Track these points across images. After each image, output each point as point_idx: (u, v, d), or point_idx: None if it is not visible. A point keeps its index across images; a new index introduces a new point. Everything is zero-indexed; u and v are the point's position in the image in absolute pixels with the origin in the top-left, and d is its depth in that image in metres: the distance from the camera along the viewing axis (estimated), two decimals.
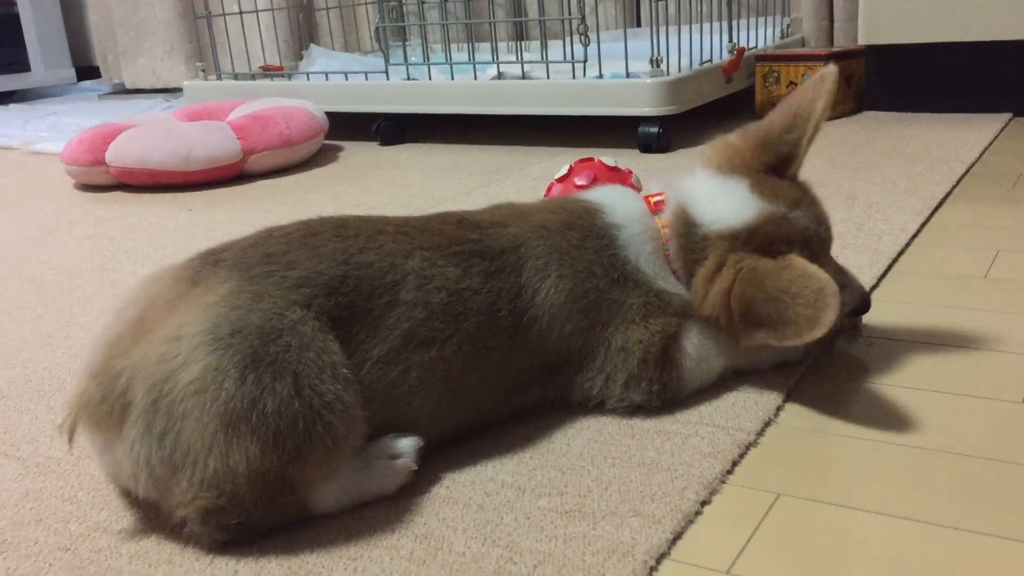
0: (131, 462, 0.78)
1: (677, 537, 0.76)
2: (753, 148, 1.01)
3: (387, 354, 0.85)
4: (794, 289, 0.86)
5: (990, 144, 2.05)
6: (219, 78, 2.97)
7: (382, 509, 0.83)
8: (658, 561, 0.74)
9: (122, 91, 4.50)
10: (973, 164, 1.89)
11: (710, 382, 1.00)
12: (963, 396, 0.96)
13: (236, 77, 2.95)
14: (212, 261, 0.86)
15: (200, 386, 0.75)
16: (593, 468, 0.87)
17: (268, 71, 3.01)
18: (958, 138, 2.10)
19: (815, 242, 0.97)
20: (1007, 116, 2.29)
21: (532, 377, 0.95)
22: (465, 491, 0.85)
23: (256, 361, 0.76)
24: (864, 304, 1.06)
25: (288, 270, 0.84)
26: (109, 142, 2.26)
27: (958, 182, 1.76)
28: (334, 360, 0.80)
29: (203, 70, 3.02)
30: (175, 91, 4.05)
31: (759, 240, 0.95)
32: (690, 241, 0.97)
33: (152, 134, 2.27)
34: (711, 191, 0.99)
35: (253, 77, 2.97)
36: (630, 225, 0.99)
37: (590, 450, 0.90)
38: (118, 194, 2.28)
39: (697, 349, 0.97)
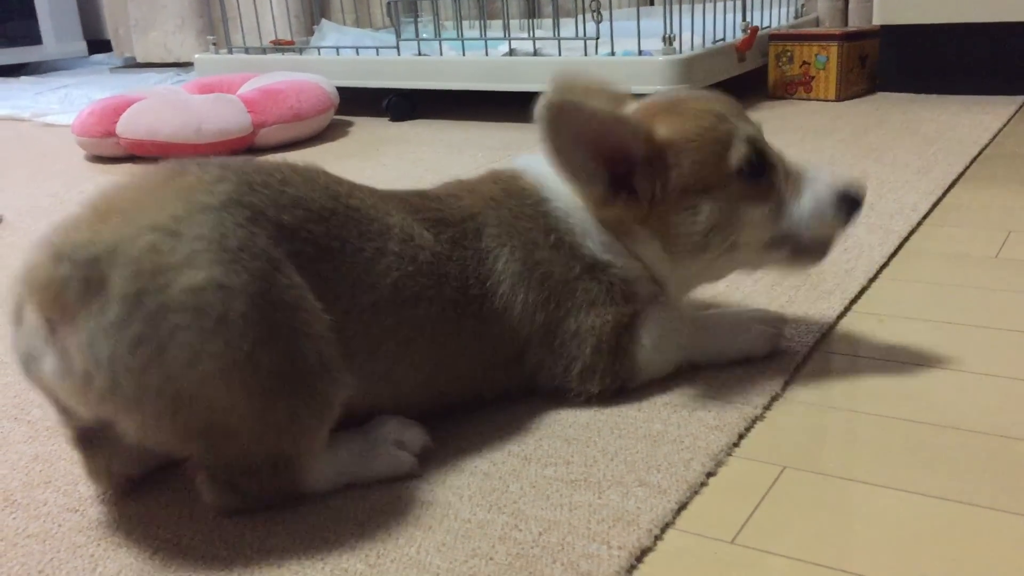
0: (85, 357, 0.68)
1: (682, 507, 0.77)
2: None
3: (376, 303, 0.82)
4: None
5: (1004, 126, 2.03)
6: (230, 52, 2.96)
7: None
8: (663, 530, 0.74)
9: (133, 65, 4.50)
10: (987, 145, 1.88)
11: (665, 373, 0.96)
12: (971, 374, 0.96)
13: (247, 51, 2.95)
14: (196, 162, 0.79)
15: (201, 301, 0.67)
16: (599, 439, 0.87)
17: (279, 46, 3.00)
18: (972, 119, 2.09)
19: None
20: (1021, 99, 2.27)
21: (502, 356, 0.92)
22: (472, 459, 0.85)
23: (266, 291, 0.70)
24: (847, 198, 0.93)
25: (284, 186, 0.80)
26: (120, 114, 2.27)
27: (971, 163, 1.75)
28: (318, 308, 0.76)
29: (214, 44, 3.01)
30: (186, 65, 4.04)
31: None
32: None
33: (163, 106, 2.27)
34: None
35: (264, 51, 2.96)
36: (561, 195, 0.94)
37: (597, 422, 0.90)
38: (128, 166, 2.28)
39: (654, 340, 0.94)
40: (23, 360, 0.74)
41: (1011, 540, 0.70)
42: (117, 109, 2.28)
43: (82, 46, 4.82)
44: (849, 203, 0.93)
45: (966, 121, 2.08)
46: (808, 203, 0.93)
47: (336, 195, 0.84)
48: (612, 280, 0.93)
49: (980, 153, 1.82)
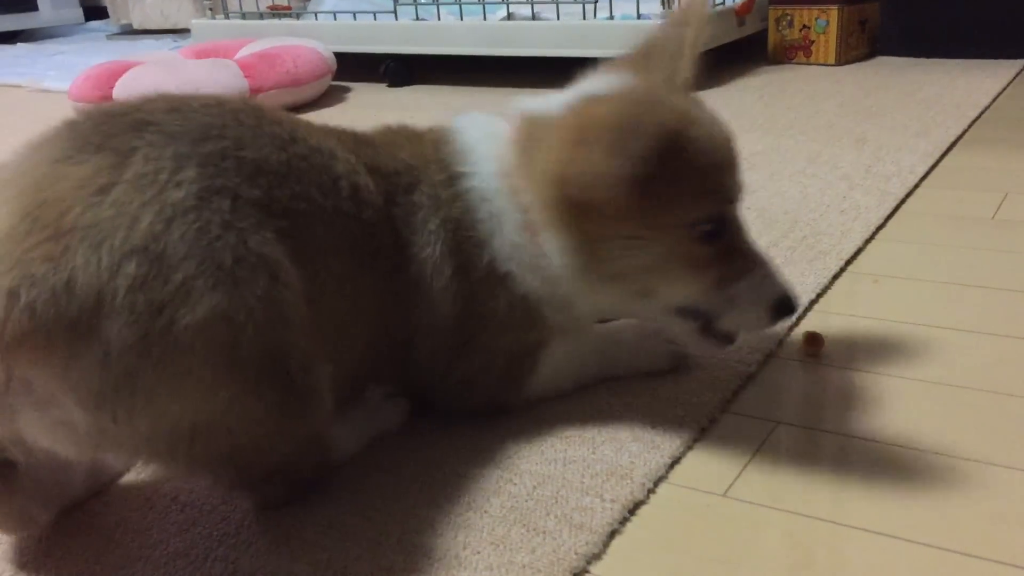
0: (89, 412, 0.62)
1: (675, 462, 0.77)
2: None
3: (343, 273, 0.75)
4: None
5: (1003, 89, 2.02)
6: (227, 17, 2.94)
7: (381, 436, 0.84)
8: (656, 484, 0.75)
9: (130, 31, 4.46)
10: (985, 109, 1.87)
11: (556, 396, 0.88)
12: (966, 332, 0.96)
13: (244, 16, 2.93)
14: (132, 125, 0.67)
15: (208, 338, 0.62)
16: (595, 397, 0.88)
17: (276, 11, 2.98)
18: (971, 83, 2.08)
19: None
20: (1021, 63, 2.26)
21: (399, 335, 0.82)
22: (467, 418, 0.86)
23: (272, 312, 0.65)
24: (785, 306, 0.81)
25: (240, 150, 0.70)
26: (117, 79, 2.26)
27: (969, 126, 1.75)
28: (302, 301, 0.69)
29: (211, 9, 2.99)
30: (183, 32, 4.02)
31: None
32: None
33: (160, 71, 2.26)
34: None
35: (261, 16, 2.94)
36: (484, 176, 0.82)
37: None
38: None
39: (552, 371, 0.86)
40: None
41: (1004, 494, 0.71)
42: (114, 74, 2.27)
43: (78, 13, 4.78)
44: (780, 310, 0.81)
45: (965, 85, 2.07)
46: (743, 294, 0.80)
47: (282, 143, 0.73)
48: (513, 299, 0.82)
49: (979, 116, 1.82)
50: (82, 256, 0.60)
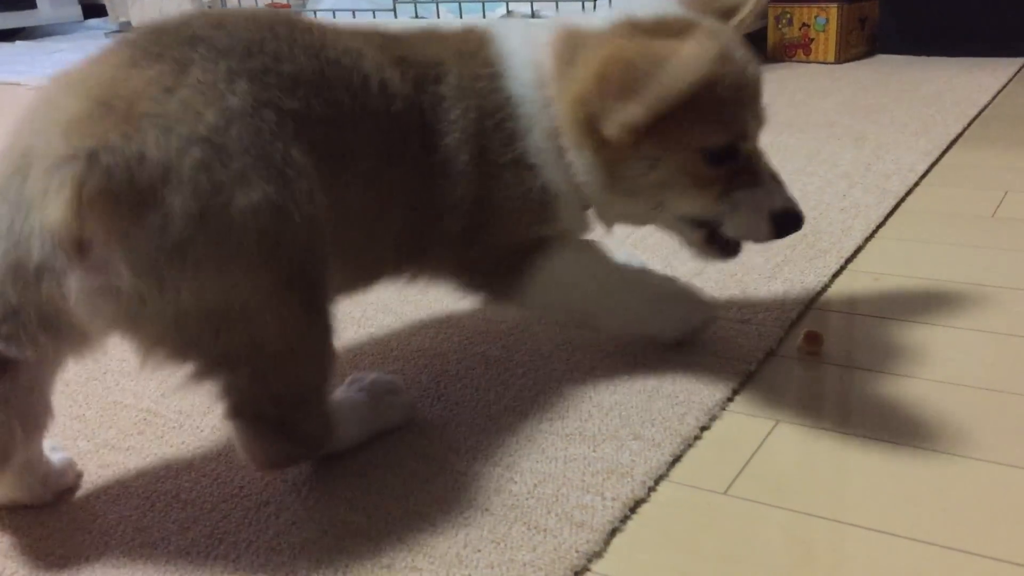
0: (140, 277, 0.64)
1: (676, 460, 0.77)
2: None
3: (372, 170, 0.79)
4: (669, 48, 0.77)
5: (1003, 87, 2.03)
6: None
7: None
8: (656, 482, 0.75)
9: (128, 30, 4.46)
10: (985, 107, 1.87)
11: (558, 317, 0.92)
12: (967, 330, 0.96)
13: None
14: (185, 40, 0.72)
15: (261, 221, 0.66)
16: (595, 394, 0.88)
17: (274, 7, 2.98)
18: (971, 81, 2.08)
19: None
20: (1020, 60, 2.26)
21: (427, 218, 0.85)
22: (467, 414, 0.86)
23: (310, 211, 0.69)
24: (788, 218, 0.87)
25: (279, 63, 0.74)
26: None
27: (969, 124, 1.75)
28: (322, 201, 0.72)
29: (210, 7, 2.98)
30: None
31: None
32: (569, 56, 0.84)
33: None
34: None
35: None
36: (522, 77, 0.86)
37: (592, 377, 0.91)
38: None
39: (555, 275, 0.89)
40: (34, 273, 0.65)
41: (1004, 491, 0.71)
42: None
43: (77, 11, 4.78)
44: (786, 222, 0.87)
45: (965, 83, 2.07)
46: (746, 201, 0.86)
47: (314, 51, 0.77)
48: (532, 188, 0.86)
49: (978, 114, 1.82)
50: (152, 137, 0.65)
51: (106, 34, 4.50)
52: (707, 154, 0.84)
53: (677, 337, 0.94)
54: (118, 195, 0.63)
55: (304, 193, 0.70)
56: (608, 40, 0.81)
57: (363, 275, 0.87)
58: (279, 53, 0.75)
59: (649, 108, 0.76)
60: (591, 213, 0.91)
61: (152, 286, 0.65)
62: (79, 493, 0.78)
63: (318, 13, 2.78)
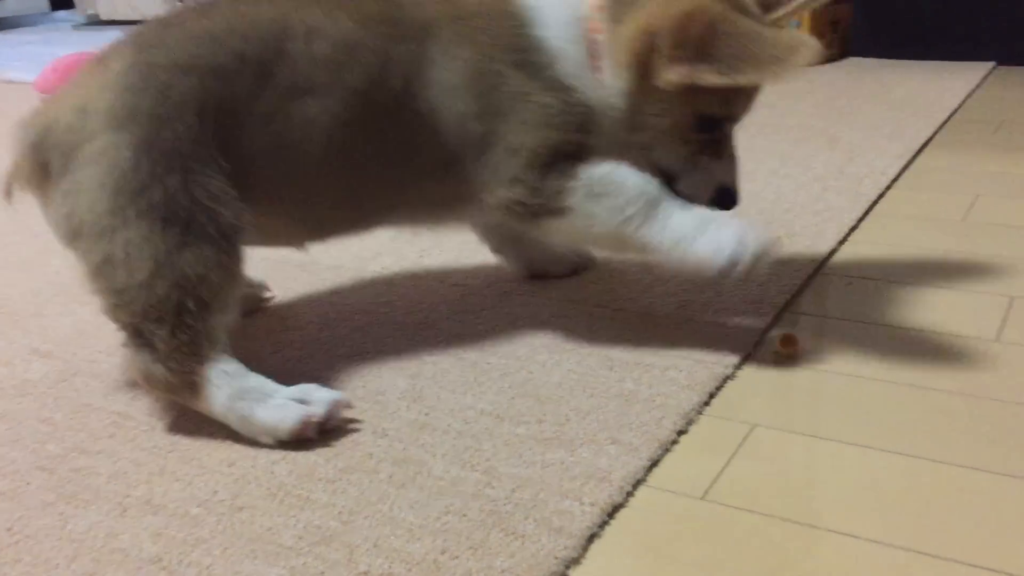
0: (51, 219, 0.86)
1: (654, 464, 0.77)
2: None
3: (270, 110, 0.88)
4: (772, 33, 0.84)
5: (973, 91, 2.05)
6: None
7: (359, 434, 0.83)
8: (635, 487, 0.74)
9: (96, 22, 4.40)
10: (956, 111, 1.89)
11: (596, 239, 0.95)
12: (937, 334, 0.97)
13: None
14: (122, 39, 0.91)
15: (99, 158, 0.82)
16: (572, 398, 0.87)
17: None
18: (942, 85, 2.10)
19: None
20: (990, 64, 2.29)
21: (427, 165, 0.93)
22: (444, 418, 0.85)
23: (149, 147, 0.83)
24: (727, 194, 0.96)
25: (181, 28, 0.88)
26: None
27: (940, 128, 1.77)
28: (215, 151, 0.86)
29: (181, 2, 2.95)
30: None
31: None
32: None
33: None
34: None
35: None
36: (552, 25, 0.93)
37: (569, 381, 0.91)
38: None
39: (598, 184, 0.90)
40: None
41: (976, 495, 0.72)
42: (81, 66, 2.23)
43: (44, 2, 4.71)
44: (723, 198, 0.95)
45: (936, 86, 2.09)
46: (703, 173, 0.95)
47: (239, 15, 0.89)
48: (572, 102, 0.92)
49: (949, 118, 1.84)
50: (52, 115, 0.88)
51: (73, 26, 4.43)
52: (700, 118, 0.92)
53: (725, 267, 0.86)
54: (22, 169, 0.87)
55: (142, 131, 0.84)
56: None
57: (355, 211, 0.97)
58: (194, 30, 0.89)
59: (724, 79, 0.83)
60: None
61: (62, 226, 0.86)
62: (50, 497, 0.77)
63: None
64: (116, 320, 0.85)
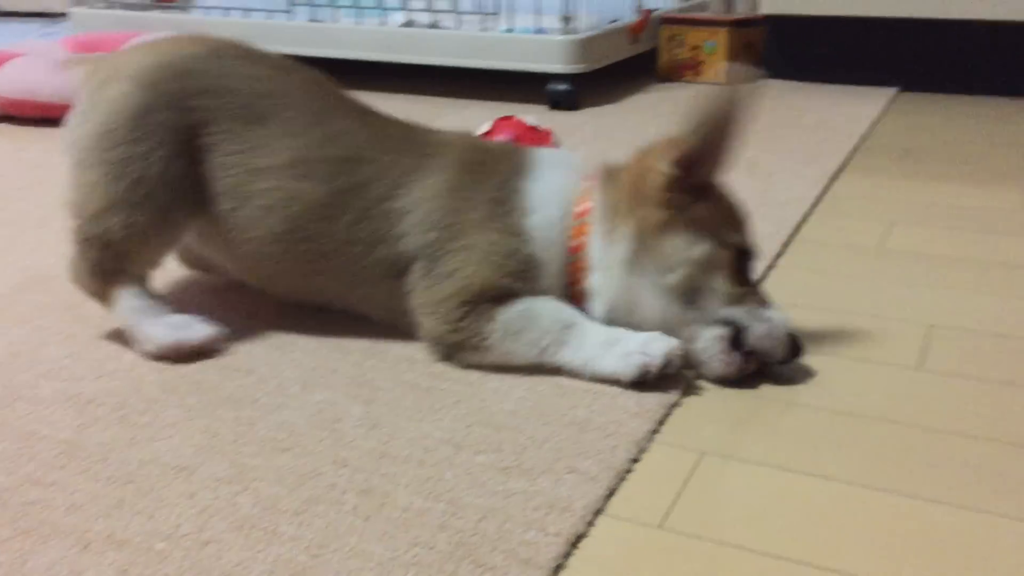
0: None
1: (611, 493, 0.80)
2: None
3: (265, 169, 1.05)
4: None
5: (880, 117, 2.15)
6: (109, 6, 2.83)
7: (320, 463, 0.84)
8: (595, 516, 0.77)
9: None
10: (865, 136, 1.98)
11: (517, 364, 0.99)
12: (862, 361, 1.03)
13: (127, 7, 2.82)
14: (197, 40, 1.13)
15: (107, 102, 1.03)
16: (527, 426, 0.90)
17: (161, 2, 2.88)
18: (850, 110, 2.20)
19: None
20: (893, 90, 2.41)
21: (378, 271, 1.03)
22: (403, 447, 0.87)
23: (149, 112, 1.02)
24: (798, 342, 0.98)
25: (227, 61, 1.09)
26: None
27: (852, 154, 1.85)
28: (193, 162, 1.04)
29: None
30: (55, 16, 3.82)
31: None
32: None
33: (42, 65, 2.15)
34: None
35: (146, 8, 2.84)
36: (546, 211, 1.01)
37: (523, 408, 0.93)
38: (3, 127, 2.16)
39: (514, 323, 0.97)
40: None
41: (903, 520, 0.77)
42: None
43: None
44: (797, 346, 0.98)
45: (845, 111, 2.19)
46: (772, 317, 0.97)
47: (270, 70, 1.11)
48: (520, 249, 0.99)
49: (859, 144, 1.93)
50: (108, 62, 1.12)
51: None
52: (739, 254, 0.98)
53: (636, 377, 0.94)
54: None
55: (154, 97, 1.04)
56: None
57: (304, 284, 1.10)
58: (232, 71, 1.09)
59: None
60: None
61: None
62: (4, 532, 0.75)
63: (210, 11, 2.71)
64: (71, 225, 1.04)
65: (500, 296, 0.98)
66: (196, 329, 1.04)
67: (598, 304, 1.00)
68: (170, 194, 1.02)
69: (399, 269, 1.02)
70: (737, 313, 0.96)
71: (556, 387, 0.97)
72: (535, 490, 0.80)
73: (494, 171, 1.03)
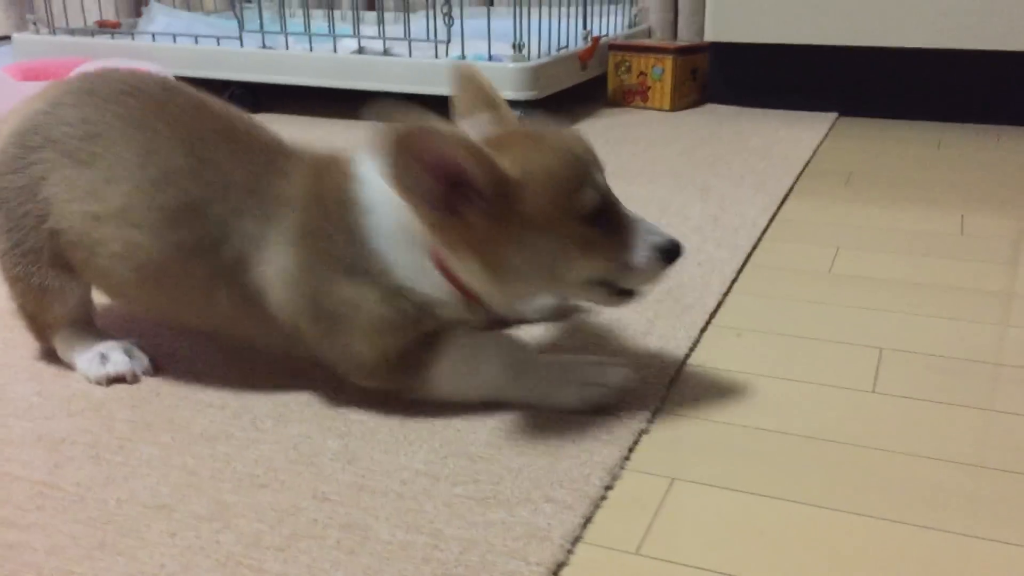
0: None
1: (587, 521, 0.83)
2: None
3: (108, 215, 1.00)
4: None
5: (821, 143, 2.22)
6: (53, 33, 2.80)
7: (300, 498, 0.85)
8: (573, 544, 0.80)
9: None
10: (809, 161, 2.05)
11: (468, 400, 1.00)
12: (818, 385, 1.07)
13: (72, 32, 2.79)
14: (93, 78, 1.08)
15: None
16: (502, 456, 0.92)
17: (104, 27, 2.86)
18: (793, 135, 2.27)
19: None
20: (833, 115, 2.49)
21: (264, 326, 1.01)
22: (381, 479, 0.88)
23: (20, 169, 1.02)
24: (669, 254, 0.96)
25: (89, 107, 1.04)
26: None
27: (797, 178, 1.91)
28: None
29: (35, 23, 2.83)
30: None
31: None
32: None
33: None
34: None
35: (92, 34, 2.81)
36: (381, 206, 0.96)
37: (496, 438, 0.95)
38: None
39: (453, 364, 0.98)
40: None
41: (865, 541, 0.80)
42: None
43: None
44: (669, 258, 0.96)
45: (788, 136, 2.26)
46: (640, 255, 0.95)
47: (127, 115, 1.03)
48: (405, 306, 0.95)
49: (804, 169, 1.99)
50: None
51: None
52: (584, 219, 0.93)
53: (593, 406, 0.99)
54: None
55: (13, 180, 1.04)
56: None
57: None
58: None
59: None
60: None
61: None
62: None
63: (156, 38, 2.69)
64: None
65: (419, 344, 0.97)
66: (114, 361, 1.07)
67: (495, 306, 1.00)
68: (37, 257, 1.04)
69: (281, 324, 0.99)
70: (605, 274, 0.96)
71: (528, 417, 0.99)
72: (514, 520, 0.82)
73: (335, 235, 0.97)
